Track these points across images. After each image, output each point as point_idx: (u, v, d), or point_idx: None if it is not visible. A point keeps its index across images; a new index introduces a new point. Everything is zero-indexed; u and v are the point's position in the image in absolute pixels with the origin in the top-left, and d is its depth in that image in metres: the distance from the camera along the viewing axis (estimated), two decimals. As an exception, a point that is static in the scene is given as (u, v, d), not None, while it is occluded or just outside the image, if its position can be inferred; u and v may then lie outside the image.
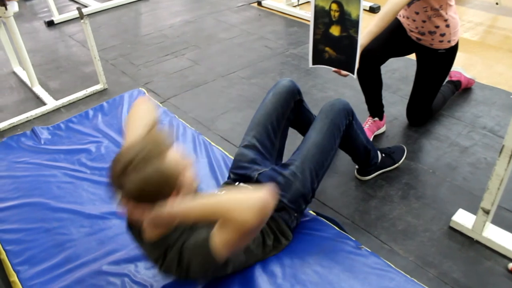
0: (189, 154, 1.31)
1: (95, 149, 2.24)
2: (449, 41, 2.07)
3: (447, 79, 2.56)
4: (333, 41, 1.79)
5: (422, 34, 2.08)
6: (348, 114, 1.69)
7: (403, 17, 2.12)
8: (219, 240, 1.16)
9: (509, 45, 3.20)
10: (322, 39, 1.82)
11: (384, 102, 2.32)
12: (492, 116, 2.43)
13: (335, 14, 1.72)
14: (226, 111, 2.63)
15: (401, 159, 2.09)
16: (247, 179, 1.60)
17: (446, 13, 1.98)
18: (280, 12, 4.03)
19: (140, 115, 1.37)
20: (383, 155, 2.03)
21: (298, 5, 4.07)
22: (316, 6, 1.76)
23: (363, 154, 1.90)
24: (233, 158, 1.76)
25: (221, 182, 1.92)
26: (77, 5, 4.50)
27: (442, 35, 2.03)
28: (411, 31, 2.12)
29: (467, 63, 2.93)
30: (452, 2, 1.99)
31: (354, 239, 1.62)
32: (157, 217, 1.16)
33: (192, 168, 1.23)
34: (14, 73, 3.22)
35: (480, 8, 3.84)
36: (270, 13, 4.04)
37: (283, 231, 1.56)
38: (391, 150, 2.07)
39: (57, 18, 4.09)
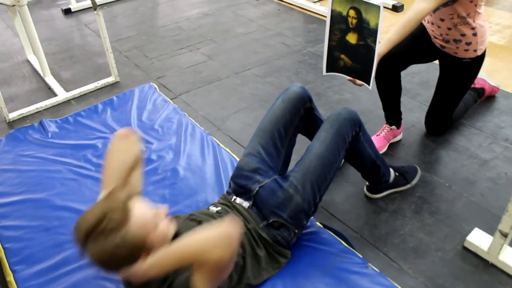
0: (159, 206, 1.21)
1: (102, 145, 2.20)
2: (475, 50, 1.95)
3: (470, 86, 2.44)
4: (349, 49, 1.69)
5: (447, 41, 1.97)
6: (355, 125, 1.60)
7: (428, 22, 2.01)
8: (200, 283, 1.09)
9: (538, 51, 3.05)
10: (338, 46, 1.73)
11: (402, 107, 2.21)
12: (516, 127, 2.31)
13: (352, 21, 1.62)
14: (238, 110, 2.56)
15: (414, 179, 1.98)
16: (246, 191, 1.53)
17: (474, 21, 1.86)
18: (300, 7, 3.92)
19: (119, 155, 1.28)
20: (396, 173, 1.93)
21: (319, 0, 3.95)
22: (333, 11, 1.66)
23: (372, 169, 1.80)
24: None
25: (225, 188, 1.86)
26: (96, -7, 4.46)
27: (468, 44, 1.92)
28: (435, 37, 2.01)
29: (492, 69, 2.80)
30: (481, 10, 1.86)
31: (361, 256, 1.55)
32: (130, 277, 1.12)
33: (163, 220, 1.17)
34: (28, 61, 3.20)
35: (509, 9, 3.67)
36: (290, 8, 3.94)
37: (280, 252, 1.50)
38: (404, 170, 1.97)
39: (74, 6, 4.06)
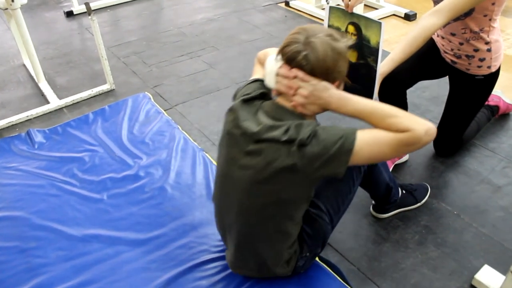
0: None
1: (89, 159, 2.09)
2: (489, 67, 1.80)
3: (483, 104, 2.28)
4: (348, 68, 1.54)
5: (458, 57, 1.81)
6: None
7: (438, 35, 1.86)
8: (365, 147, 1.13)
9: (558, 66, 2.88)
10: None
11: (409, 126, 2.06)
12: (533, 150, 2.15)
13: (352, 38, 1.47)
14: (235, 123, 2.42)
15: (423, 198, 1.85)
16: None
17: (488, 36, 1.71)
18: (308, 14, 3.78)
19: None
20: (404, 192, 1.79)
21: (328, 7, 3.81)
22: (330, 27, 1.52)
23: (384, 191, 1.67)
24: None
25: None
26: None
27: (482, 60, 1.77)
28: (446, 52, 1.86)
29: (507, 84, 2.63)
30: (496, 24, 1.71)
31: (357, 294, 1.41)
32: (324, 92, 1.18)
33: None
34: (24, 66, 3.11)
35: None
36: (298, 15, 3.80)
37: (289, 260, 1.40)
38: (413, 188, 1.83)
39: (76, 8, 3.96)
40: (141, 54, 3.22)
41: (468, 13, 1.65)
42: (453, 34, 1.75)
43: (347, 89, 1.59)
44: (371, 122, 1.18)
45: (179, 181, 1.93)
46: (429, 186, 1.89)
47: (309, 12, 3.77)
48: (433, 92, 2.61)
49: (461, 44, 1.76)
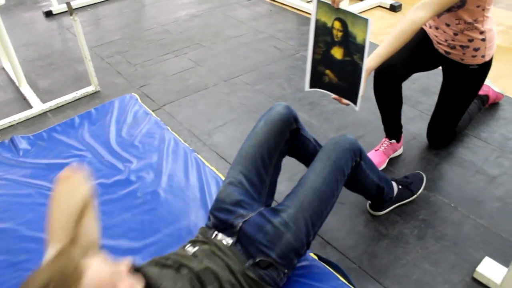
0: (120, 261, 1.01)
1: (77, 165, 2.02)
2: (483, 56, 1.78)
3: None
4: (334, 64, 1.49)
5: (453, 47, 1.79)
6: (355, 155, 1.43)
7: (430, 27, 1.84)
8: None
9: (543, 53, 2.89)
10: (322, 60, 1.53)
11: (402, 117, 2.03)
12: (524, 138, 2.15)
13: (337, 34, 1.42)
14: (226, 122, 2.38)
15: (420, 189, 1.83)
16: (228, 227, 1.35)
17: (482, 26, 1.69)
18: (293, 8, 3.74)
19: (63, 203, 1.07)
20: (400, 186, 1.77)
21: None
22: (317, 21, 1.47)
23: (375, 193, 1.64)
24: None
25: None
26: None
27: (476, 49, 1.75)
28: (439, 43, 1.84)
29: (495, 73, 2.60)
30: (489, 13, 1.69)
31: (360, 294, 1.39)
32: None
33: (124, 279, 0.97)
34: (4, 69, 3.01)
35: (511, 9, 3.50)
36: (283, 8, 3.76)
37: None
38: (408, 181, 1.81)
39: (56, 8, 3.86)
40: (125, 54, 3.14)
41: (460, 5, 1.62)
42: (447, 25, 1.73)
43: (334, 87, 1.55)
44: None
45: (172, 184, 1.89)
46: (424, 175, 1.88)
47: (295, 5, 3.73)
48: (423, 84, 2.59)
49: (455, 34, 1.74)
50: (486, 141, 2.15)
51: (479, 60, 1.80)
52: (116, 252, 1.62)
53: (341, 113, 2.40)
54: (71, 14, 2.40)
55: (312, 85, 1.61)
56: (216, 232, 1.36)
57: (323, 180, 1.34)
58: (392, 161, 2.06)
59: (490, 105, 2.38)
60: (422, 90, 2.55)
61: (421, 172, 1.90)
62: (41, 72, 2.98)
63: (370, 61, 1.50)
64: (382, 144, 2.03)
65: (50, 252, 1.00)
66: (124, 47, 3.25)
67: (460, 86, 1.90)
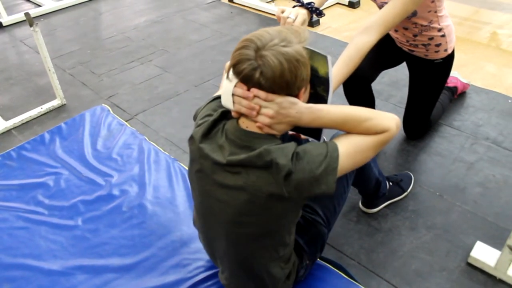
0: None
1: (54, 183, 1.92)
2: (445, 50, 1.85)
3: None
4: None
5: (415, 46, 1.84)
6: None
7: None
8: (344, 155, 1.08)
9: (497, 42, 3.03)
10: None
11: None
12: (493, 124, 2.24)
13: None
14: (203, 128, 2.33)
15: (409, 187, 1.87)
16: None
17: (439, 24, 1.75)
18: (253, 9, 3.73)
19: None
20: (391, 183, 1.80)
21: (272, 0, 3.79)
22: None
23: (374, 186, 1.66)
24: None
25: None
26: (29, 4, 4.08)
27: (438, 45, 1.81)
28: (402, 43, 1.89)
29: (458, 63, 2.70)
30: (443, 12, 1.74)
31: (365, 289, 1.39)
32: (292, 109, 1.07)
33: None
34: (-43, 87, 2.83)
35: (461, 0, 3.65)
36: (243, 10, 3.74)
37: (290, 274, 1.32)
38: (398, 178, 1.84)
39: (5, 19, 3.66)
40: (87, 64, 3.02)
41: (411, 16, 1.67)
42: (405, 28, 1.77)
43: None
44: (346, 130, 1.14)
45: (158, 195, 1.83)
46: (412, 175, 1.91)
47: (255, 6, 3.72)
48: (391, 77, 2.65)
49: (415, 36, 1.79)
50: (459, 129, 2.22)
51: (442, 54, 1.86)
52: (109, 271, 1.56)
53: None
54: (31, 25, 2.28)
55: None
56: None
57: None
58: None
59: (458, 95, 2.47)
60: (392, 83, 2.60)
61: (409, 172, 1.93)
62: (-1, 88, 2.82)
63: None
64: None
65: None
66: (86, 57, 3.12)
67: (428, 80, 1.96)
